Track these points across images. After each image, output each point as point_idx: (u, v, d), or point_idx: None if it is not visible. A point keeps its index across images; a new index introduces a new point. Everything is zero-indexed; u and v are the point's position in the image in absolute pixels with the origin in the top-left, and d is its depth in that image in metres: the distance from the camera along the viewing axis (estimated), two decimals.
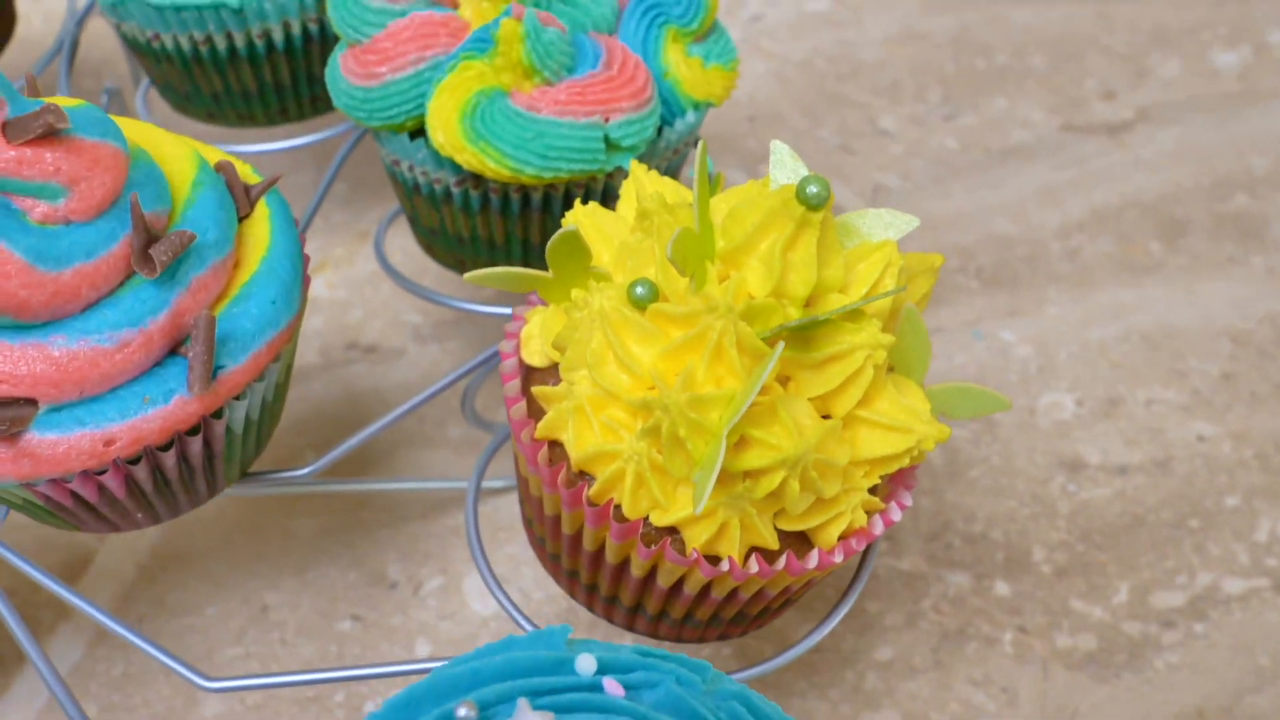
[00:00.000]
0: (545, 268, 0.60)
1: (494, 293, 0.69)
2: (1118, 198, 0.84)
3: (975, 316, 0.77)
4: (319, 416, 0.73)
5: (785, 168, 0.46)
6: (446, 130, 0.53)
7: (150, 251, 0.42)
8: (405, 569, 0.66)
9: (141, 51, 0.65)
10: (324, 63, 0.66)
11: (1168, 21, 0.95)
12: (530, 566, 0.65)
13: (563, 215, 0.57)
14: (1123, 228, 0.82)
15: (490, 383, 0.70)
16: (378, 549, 0.67)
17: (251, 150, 0.65)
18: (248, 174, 0.50)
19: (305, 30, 0.63)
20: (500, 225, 0.57)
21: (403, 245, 0.78)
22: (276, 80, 0.65)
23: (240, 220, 0.47)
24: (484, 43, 0.53)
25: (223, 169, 0.48)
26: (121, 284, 0.42)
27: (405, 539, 0.67)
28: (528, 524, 0.51)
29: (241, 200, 0.47)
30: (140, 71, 0.70)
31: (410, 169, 0.57)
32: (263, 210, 0.48)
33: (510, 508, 0.68)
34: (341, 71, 0.56)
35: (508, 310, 0.59)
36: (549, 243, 0.43)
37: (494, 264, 0.60)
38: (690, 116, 0.57)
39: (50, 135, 0.40)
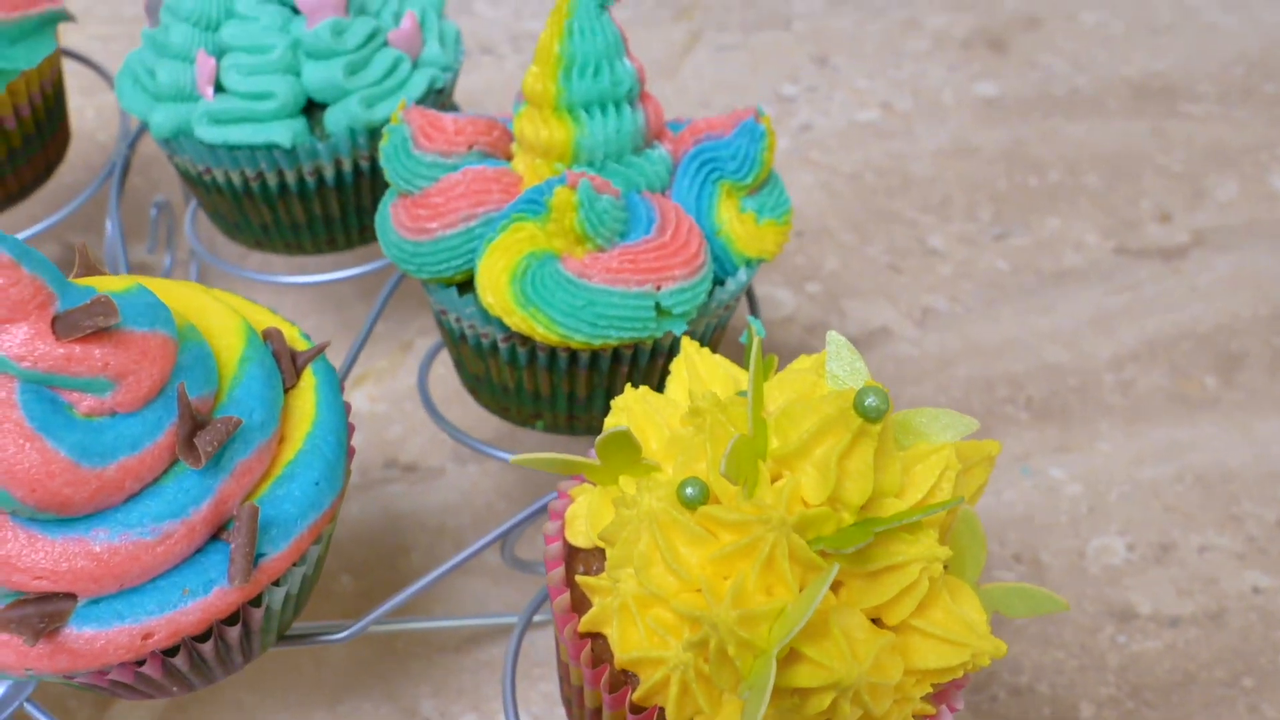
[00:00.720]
0: (590, 420, 0.60)
1: (539, 445, 0.69)
2: (1172, 327, 0.82)
3: (1024, 451, 0.76)
4: (356, 539, 0.72)
5: (842, 361, 0.44)
6: (496, 292, 0.52)
7: (195, 441, 0.41)
8: (439, 705, 0.65)
9: (192, 181, 0.65)
10: (374, 196, 0.66)
11: (1225, 140, 0.94)
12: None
13: (610, 371, 0.56)
14: (1177, 359, 0.80)
15: (531, 526, 0.69)
16: (411, 682, 0.66)
17: (302, 281, 0.65)
18: (294, 337, 0.49)
19: (356, 166, 0.63)
20: (547, 379, 0.57)
21: (446, 367, 0.78)
22: (326, 213, 0.65)
23: (285, 390, 0.47)
24: (536, 204, 0.52)
25: (270, 337, 0.48)
26: (165, 472, 0.42)
27: (439, 672, 0.66)
28: (567, 704, 0.50)
29: (289, 371, 0.47)
30: (190, 189, 0.70)
31: (457, 320, 0.56)
32: (309, 379, 0.48)
33: (548, 640, 0.67)
34: (392, 223, 0.56)
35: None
36: (599, 440, 0.42)
37: (538, 414, 0.59)
38: (742, 274, 0.56)
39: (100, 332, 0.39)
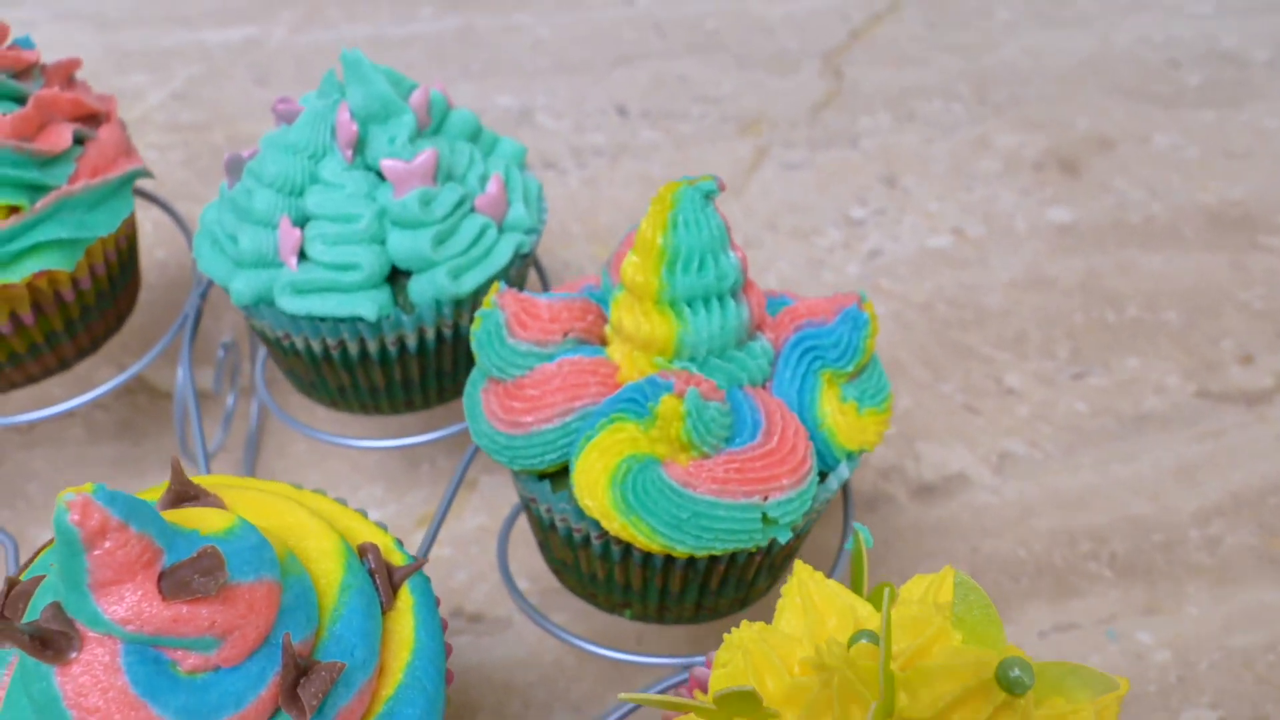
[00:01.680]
0: (681, 611, 0.58)
1: (633, 636, 0.67)
2: (1258, 479, 0.80)
3: (1110, 613, 0.73)
4: None
5: (969, 605, 0.42)
6: (594, 494, 0.50)
7: (299, 693, 0.39)
8: None
9: (269, 342, 0.63)
10: (454, 359, 0.64)
11: None
12: None
13: (706, 569, 0.54)
14: (1264, 516, 0.78)
15: None
16: None
17: (382, 445, 0.63)
18: (389, 548, 0.48)
19: (439, 334, 0.61)
20: (640, 574, 0.55)
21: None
22: (405, 378, 0.63)
23: (382, 613, 0.45)
24: (638, 405, 0.50)
25: (367, 554, 0.46)
26: None
27: None
28: None
29: (387, 592, 0.45)
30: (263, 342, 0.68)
31: (548, 510, 0.55)
32: (405, 599, 0.46)
33: None
34: (484, 412, 0.54)
35: (638, 659, 0.56)
36: (718, 694, 0.40)
37: (627, 603, 0.57)
38: (844, 469, 0.54)
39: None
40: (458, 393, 0.67)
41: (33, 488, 0.80)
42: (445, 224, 0.58)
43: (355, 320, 0.59)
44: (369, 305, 0.58)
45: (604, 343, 0.55)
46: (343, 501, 0.52)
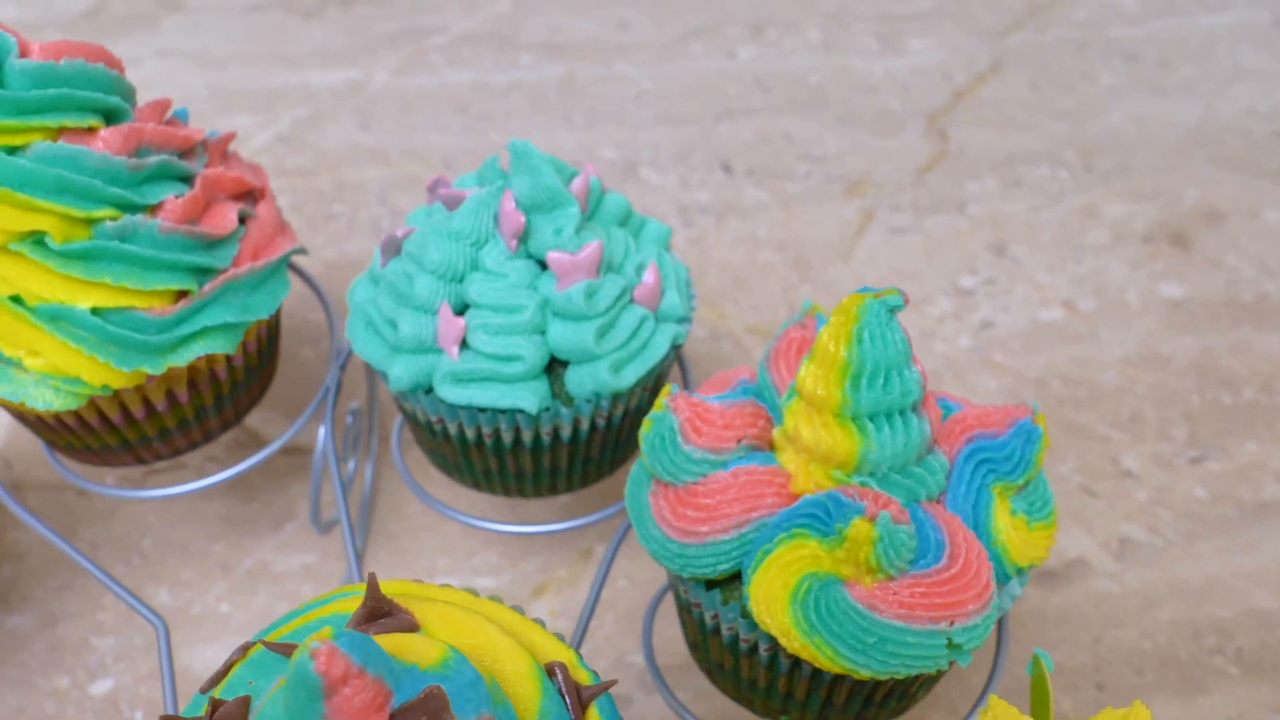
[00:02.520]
0: None
1: None
2: None
3: (1238, 712, 0.72)
4: None
5: None
6: (773, 610, 0.50)
7: None
8: None
9: (418, 424, 0.63)
10: (602, 448, 0.63)
11: None
12: None
13: (875, 685, 0.53)
14: None
15: None
16: None
17: (530, 531, 0.63)
18: (574, 664, 0.47)
19: (593, 424, 0.61)
20: (805, 686, 0.54)
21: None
22: (554, 464, 0.62)
23: None
24: (819, 521, 0.49)
25: (556, 673, 0.45)
26: None
27: None
28: None
29: (578, 715, 0.45)
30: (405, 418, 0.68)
31: (714, 617, 0.54)
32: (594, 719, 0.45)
33: None
34: (654, 517, 0.53)
35: None
36: None
37: (785, 709, 0.57)
38: (1015, 587, 0.53)
39: None
40: (600, 477, 0.66)
41: (147, 543, 0.80)
42: (606, 316, 0.58)
43: (515, 411, 0.58)
44: (530, 398, 0.58)
45: (772, 447, 0.54)
46: (497, 598, 0.51)
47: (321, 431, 0.67)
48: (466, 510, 0.80)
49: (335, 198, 0.98)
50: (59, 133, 0.53)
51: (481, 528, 0.65)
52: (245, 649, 0.46)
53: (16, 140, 0.52)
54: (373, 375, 0.77)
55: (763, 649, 0.53)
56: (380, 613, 0.45)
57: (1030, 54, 1.12)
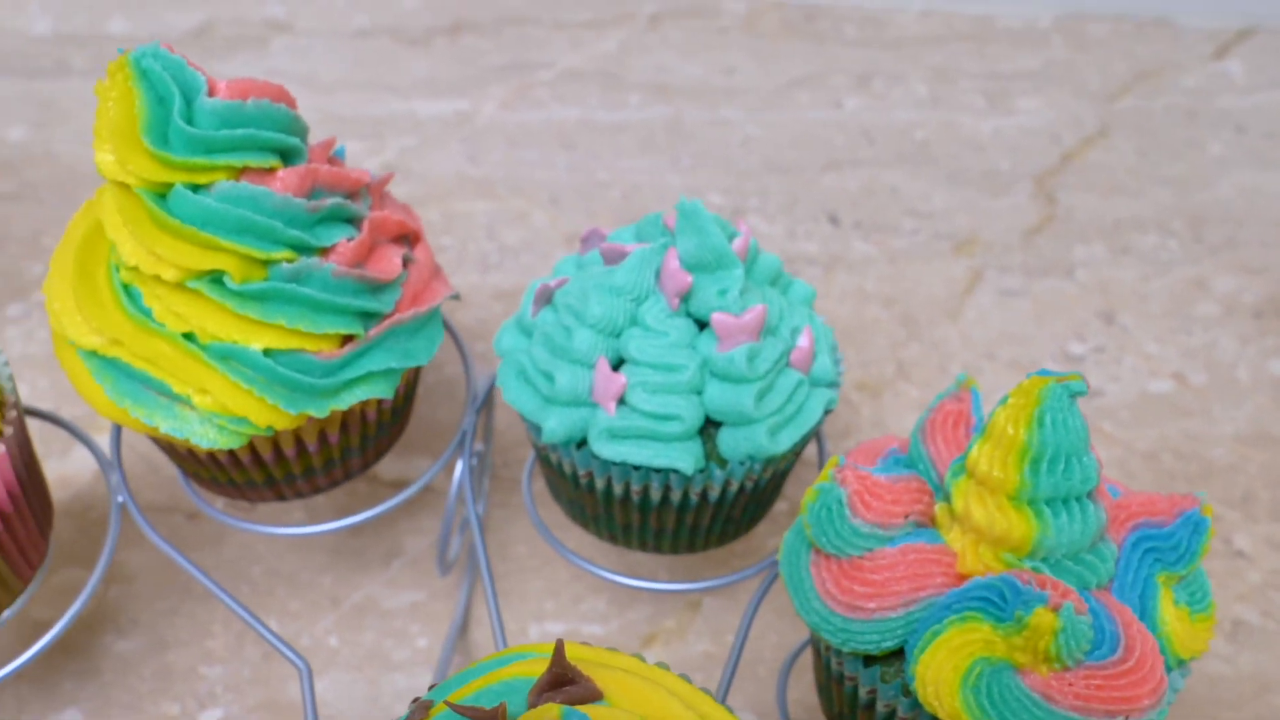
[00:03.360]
0: None
1: None
2: None
3: None
4: None
5: None
6: (941, 693, 0.49)
7: None
8: None
9: (561, 475, 0.62)
10: (744, 509, 0.63)
11: None
12: None
13: None
14: None
15: None
16: None
17: (674, 589, 0.63)
18: None
19: (741, 486, 0.60)
20: None
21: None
22: (696, 523, 0.62)
23: None
24: (993, 605, 0.49)
25: None
26: None
27: None
28: None
29: None
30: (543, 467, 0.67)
31: (870, 692, 0.53)
32: None
33: None
34: (817, 589, 0.53)
35: None
36: None
37: None
38: (1177, 679, 0.52)
39: None
40: (735, 537, 0.66)
41: (256, 571, 0.80)
42: (765, 380, 0.58)
43: (669, 471, 0.58)
44: (687, 458, 0.57)
45: (934, 524, 0.54)
46: (640, 656, 0.51)
47: (458, 472, 0.67)
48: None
49: (444, 229, 0.98)
50: (241, 172, 0.53)
51: (634, 586, 0.64)
52: (426, 708, 0.45)
53: (201, 179, 0.52)
54: (489, 417, 0.77)
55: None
56: (565, 680, 0.44)
57: (1138, 120, 1.12)
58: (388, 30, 1.16)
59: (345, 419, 0.60)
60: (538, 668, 0.47)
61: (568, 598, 0.79)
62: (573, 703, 0.43)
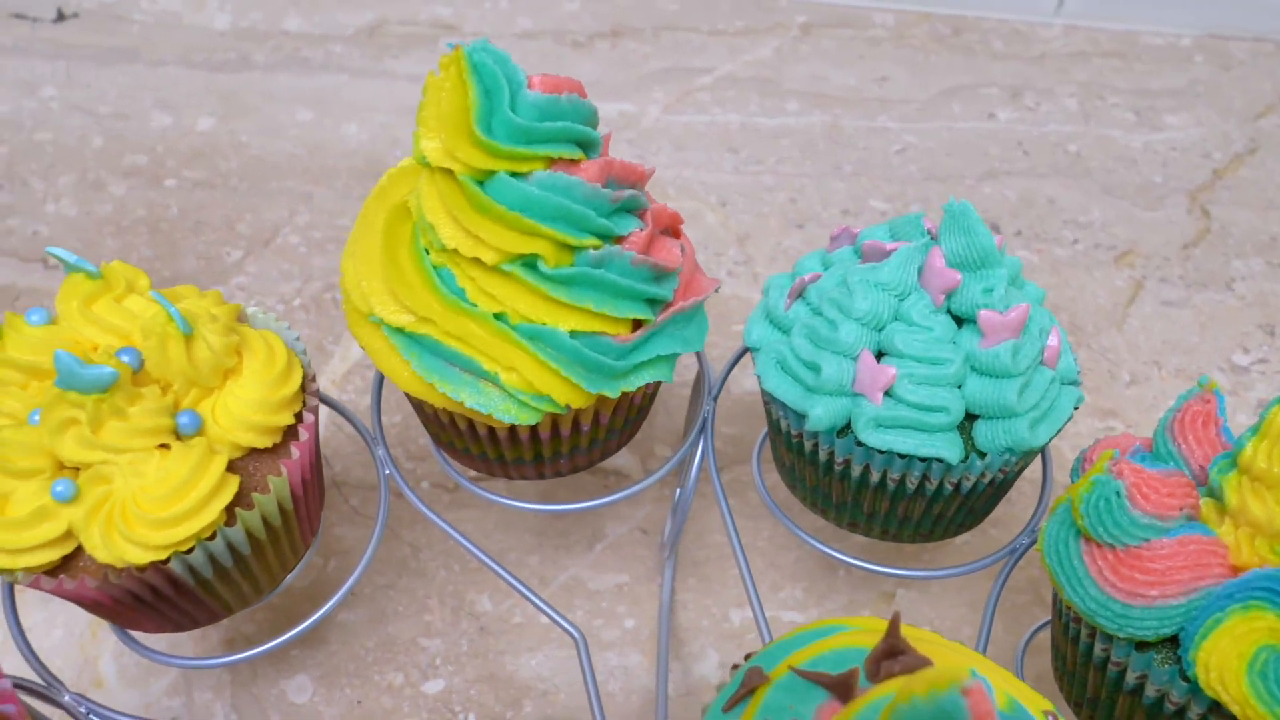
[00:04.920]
0: None
1: None
2: None
3: None
4: None
5: None
6: (1225, 679, 0.51)
7: None
8: None
9: (813, 462, 0.65)
10: (988, 500, 0.65)
11: None
12: None
13: None
14: None
15: None
16: None
17: (910, 574, 0.65)
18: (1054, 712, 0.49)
19: (992, 479, 0.63)
20: None
21: None
22: (941, 513, 0.65)
23: None
24: (1277, 595, 0.51)
25: None
26: None
27: None
28: None
29: None
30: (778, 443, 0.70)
31: (1140, 677, 0.55)
32: None
33: None
34: (1092, 575, 0.55)
35: None
36: None
37: None
38: None
39: None
40: (967, 528, 0.68)
41: (464, 550, 0.82)
42: (1025, 375, 0.60)
43: (932, 460, 0.60)
44: (951, 449, 0.60)
45: (1199, 517, 0.56)
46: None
47: (697, 456, 0.69)
48: (765, 546, 0.83)
49: None
50: (551, 162, 0.56)
51: (879, 571, 0.66)
52: (759, 673, 0.48)
53: (522, 167, 0.55)
54: (695, 405, 0.80)
55: (1195, 714, 0.54)
56: (899, 650, 0.47)
57: None
58: (550, 33, 1.19)
59: (620, 402, 0.62)
60: (861, 639, 0.49)
61: (766, 586, 0.82)
62: (908, 671, 0.46)
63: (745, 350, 0.73)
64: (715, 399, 0.71)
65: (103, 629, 0.76)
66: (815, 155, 1.09)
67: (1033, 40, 1.23)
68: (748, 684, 0.48)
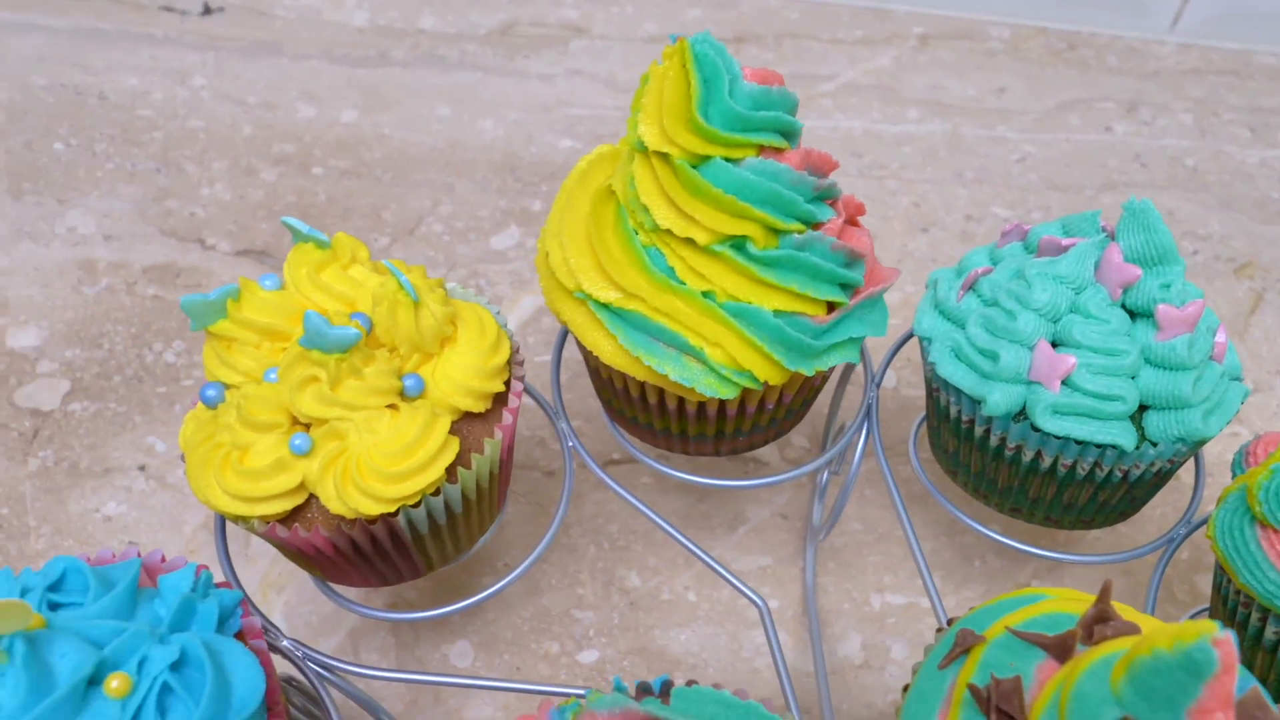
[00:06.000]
0: None
1: None
2: None
3: None
4: None
5: None
6: None
7: None
8: None
9: (981, 448, 0.67)
10: (1150, 490, 0.68)
11: None
12: None
13: None
14: None
15: None
16: None
17: (1070, 558, 0.67)
18: None
19: (1160, 469, 0.65)
20: None
21: None
22: (1105, 500, 0.67)
23: None
24: None
25: None
26: None
27: None
28: None
29: None
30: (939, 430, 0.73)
31: None
32: None
33: None
34: (1271, 559, 0.57)
35: None
36: None
37: None
38: None
39: None
40: (1125, 517, 0.70)
41: (613, 528, 0.85)
42: (1198, 369, 0.62)
43: (1107, 447, 0.63)
44: (1126, 436, 0.62)
45: None
46: None
47: (860, 445, 0.72)
48: (903, 537, 0.85)
49: None
50: (760, 150, 0.59)
51: (1046, 556, 0.69)
52: (971, 635, 0.50)
53: (735, 154, 0.58)
54: (839, 397, 0.82)
55: None
56: (1109, 616, 0.49)
57: None
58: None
59: (802, 384, 0.65)
60: (1067, 606, 0.52)
61: (904, 573, 0.84)
62: (1120, 634, 0.48)
63: (905, 340, 0.76)
64: (878, 386, 0.74)
65: (273, 590, 0.80)
66: (936, 162, 1.12)
67: (1147, 57, 1.25)
68: (962, 643, 0.51)
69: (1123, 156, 1.14)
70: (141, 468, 0.85)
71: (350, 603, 0.65)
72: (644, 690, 0.50)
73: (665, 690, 0.50)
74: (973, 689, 0.47)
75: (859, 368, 0.86)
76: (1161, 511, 0.86)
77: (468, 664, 0.78)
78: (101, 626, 0.49)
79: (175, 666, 0.49)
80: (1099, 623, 0.49)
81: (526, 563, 0.65)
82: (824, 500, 0.83)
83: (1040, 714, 0.45)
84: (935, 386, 0.69)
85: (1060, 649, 0.48)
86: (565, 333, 0.75)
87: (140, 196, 1.03)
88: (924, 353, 0.69)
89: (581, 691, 0.53)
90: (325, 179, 1.06)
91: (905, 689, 0.53)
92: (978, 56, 1.24)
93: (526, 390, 0.72)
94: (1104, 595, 0.50)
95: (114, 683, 0.47)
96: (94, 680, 0.48)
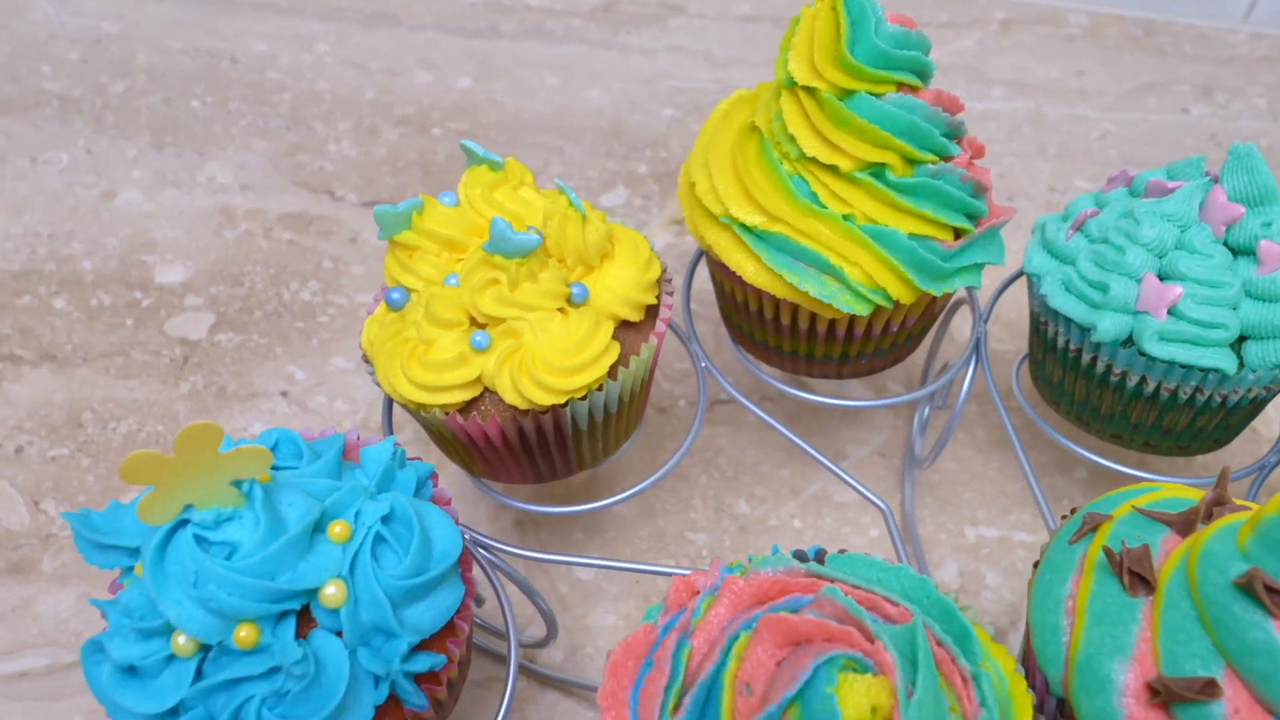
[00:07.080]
0: None
1: None
2: None
3: None
4: None
5: None
6: None
7: None
8: None
9: (1089, 376, 0.73)
10: (1244, 418, 0.73)
11: None
12: None
13: None
14: None
15: None
16: None
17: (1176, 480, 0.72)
18: None
19: (1255, 397, 0.70)
20: None
21: None
22: (1200, 427, 0.72)
23: None
24: None
25: None
26: None
27: None
28: None
29: None
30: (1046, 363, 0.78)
31: None
32: None
33: None
34: None
35: None
36: None
37: None
38: None
39: None
40: (1214, 448, 0.75)
41: (722, 460, 0.91)
42: None
43: (1209, 371, 0.68)
44: (1228, 361, 0.67)
45: None
46: None
47: (968, 379, 0.78)
48: (995, 475, 0.90)
49: None
50: (900, 86, 0.65)
51: (1149, 479, 0.74)
52: (1096, 516, 0.56)
53: (879, 88, 0.64)
54: (940, 337, 0.88)
55: None
56: (1226, 500, 0.54)
57: None
58: (770, 18, 1.29)
59: (925, 308, 0.71)
60: (1184, 492, 0.57)
61: (996, 509, 0.89)
62: (1233, 514, 0.54)
63: (1014, 277, 0.81)
64: (985, 322, 0.79)
65: None
66: (1020, 138, 1.17)
67: (1220, 44, 1.30)
68: (1090, 522, 0.56)
69: (1199, 136, 1.19)
70: (284, 393, 0.92)
71: (505, 497, 0.71)
72: (799, 557, 0.56)
73: (819, 557, 0.56)
74: (1107, 551, 0.53)
75: (959, 314, 0.91)
76: (1250, 448, 0.91)
77: (590, 576, 0.84)
78: (320, 483, 0.55)
79: (386, 520, 0.55)
80: (1218, 505, 0.55)
81: (671, 463, 0.71)
82: (924, 434, 0.89)
83: (1170, 573, 0.51)
84: (1043, 320, 0.75)
85: (1184, 524, 0.54)
86: (693, 267, 0.81)
87: (272, 151, 1.10)
88: (1032, 289, 0.75)
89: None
90: (444, 139, 1.12)
91: (1035, 565, 0.58)
92: (1057, 41, 1.29)
93: None
94: (1222, 481, 0.55)
95: (336, 529, 0.53)
96: (317, 527, 0.54)
